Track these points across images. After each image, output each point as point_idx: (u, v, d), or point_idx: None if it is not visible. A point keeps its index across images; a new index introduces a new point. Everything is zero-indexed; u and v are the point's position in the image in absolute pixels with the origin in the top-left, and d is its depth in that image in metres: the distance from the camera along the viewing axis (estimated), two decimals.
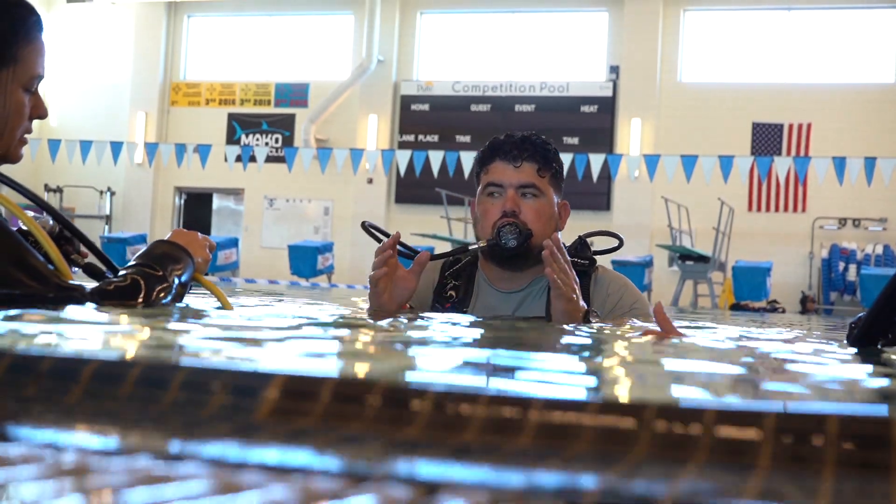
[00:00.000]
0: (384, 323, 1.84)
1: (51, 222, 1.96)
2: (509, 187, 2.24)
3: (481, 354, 1.32)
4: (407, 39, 17.46)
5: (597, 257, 2.37)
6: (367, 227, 2.36)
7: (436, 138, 16.84)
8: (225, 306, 1.99)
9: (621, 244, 2.40)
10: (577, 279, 2.12)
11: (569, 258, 2.10)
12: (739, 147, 15.53)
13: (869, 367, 1.36)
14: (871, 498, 0.57)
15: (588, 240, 2.39)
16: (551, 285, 2.05)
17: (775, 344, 1.95)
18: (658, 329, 1.79)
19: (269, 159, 16.66)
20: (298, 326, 1.69)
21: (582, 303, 2.08)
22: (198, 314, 1.75)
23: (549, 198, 2.28)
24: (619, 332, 1.89)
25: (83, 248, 1.97)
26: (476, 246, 2.24)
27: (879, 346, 1.70)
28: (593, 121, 16.47)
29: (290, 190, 17.48)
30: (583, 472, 0.61)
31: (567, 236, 2.16)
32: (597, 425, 0.67)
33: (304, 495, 0.56)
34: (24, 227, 1.83)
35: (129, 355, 0.94)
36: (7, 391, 0.79)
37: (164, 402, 0.76)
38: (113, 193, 18.44)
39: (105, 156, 15.39)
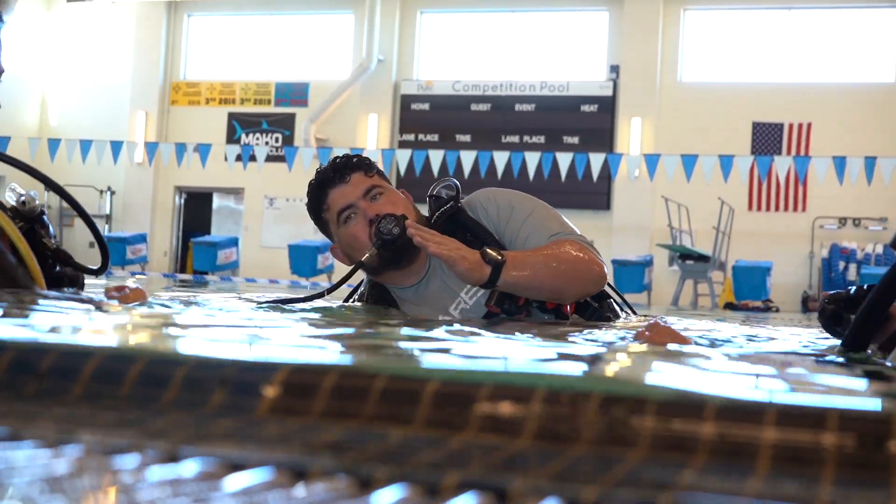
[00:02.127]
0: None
1: (36, 201, 1.97)
2: (357, 200, 2.30)
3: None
4: (407, 39, 17.46)
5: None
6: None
7: (436, 138, 16.83)
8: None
9: (458, 193, 2.40)
10: (465, 232, 2.25)
11: (434, 231, 2.19)
12: (739, 147, 15.53)
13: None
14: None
15: (434, 193, 2.44)
16: (441, 260, 2.13)
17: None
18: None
19: (269, 159, 16.66)
20: None
21: (473, 253, 2.14)
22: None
23: (391, 188, 2.38)
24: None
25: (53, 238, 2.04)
26: (367, 257, 2.24)
27: (870, 352, 1.67)
28: (593, 120, 16.46)
29: (290, 189, 17.46)
30: (583, 472, 0.61)
31: None
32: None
33: (306, 493, 0.56)
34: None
35: (132, 351, 0.94)
36: (8, 388, 0.79)
37: (166, 397, 0.76)
38: (113, 193, 18.43)
39: (105, 155, 15.39)
